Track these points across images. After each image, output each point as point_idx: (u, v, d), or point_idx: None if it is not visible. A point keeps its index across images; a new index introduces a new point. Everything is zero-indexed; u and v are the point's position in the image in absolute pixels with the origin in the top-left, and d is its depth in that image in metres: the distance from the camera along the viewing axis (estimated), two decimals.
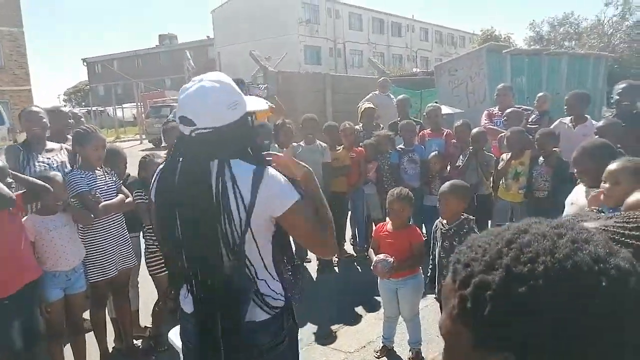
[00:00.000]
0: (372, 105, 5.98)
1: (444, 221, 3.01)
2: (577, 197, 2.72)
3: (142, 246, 3.58)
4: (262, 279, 1.60)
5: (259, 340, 1.60)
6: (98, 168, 3.16)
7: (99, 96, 45.52)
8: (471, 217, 3.02)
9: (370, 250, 3.33)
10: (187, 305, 1.68)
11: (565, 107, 4.87)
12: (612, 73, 15.94)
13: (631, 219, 0.81)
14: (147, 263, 3.47)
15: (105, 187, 3.13)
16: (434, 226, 3.15)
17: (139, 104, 23.78)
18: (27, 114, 3.54)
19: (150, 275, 3.48)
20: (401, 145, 5.19)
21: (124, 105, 28.06)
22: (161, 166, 1.71)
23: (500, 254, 0.59)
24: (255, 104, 1.75)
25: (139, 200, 3.34)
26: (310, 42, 38.70)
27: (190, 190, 1.54)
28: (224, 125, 1.53)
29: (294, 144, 5.08)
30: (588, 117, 4.78)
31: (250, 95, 6.74)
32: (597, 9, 38.61)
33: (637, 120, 3.89)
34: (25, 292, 2.66)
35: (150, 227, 3.36)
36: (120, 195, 3.20)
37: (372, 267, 3.04)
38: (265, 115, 5.64)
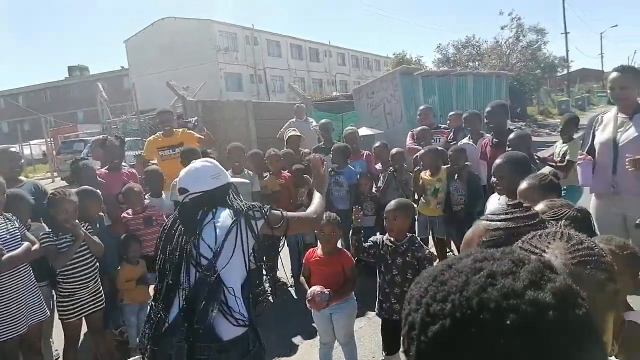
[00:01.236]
0: (297, 133, 6.03)
1: (392, 238, 3.03)
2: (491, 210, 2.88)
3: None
4: (230, 286, 1.96)
5: None
6: None
7: (3, 133, 42.15)
8: (415, 235, 3.11)
9: (302, 278, 3.30)
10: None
11: (464, 124, 5.41)
12: (512, 89, 17.42)
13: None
14: (58, 308, 3.23)
15: (8, 236, 2.85)
16: (376, 240, 3.14)
17: (48, 139, 22.27)
18: None
19: (61, 319, 3.23)
20: (335, 167, 5.25)
21: (31, 142, 26.12)
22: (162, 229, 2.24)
23: (426, 292, 0.58)
24: (238, 180, 2.64)
25: (48, 244, 3.08)
26: (230, 69, 38.55)
27: (179, 226, 2.08)
28: (210, 189, 2.13)
29: None
30: (483, 132, 5.19)
31: (178, 126, 6.50)
32: (495, 31, 42.14)
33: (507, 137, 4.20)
34: None
35: (65, 270, 3.12)
36: (26, 243, 2.93)
37: (307, 300, 2.95)
38: (196, 145, 5.46)
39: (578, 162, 3.41)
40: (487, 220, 1.20)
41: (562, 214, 1.44)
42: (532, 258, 0.60)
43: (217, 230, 2.01)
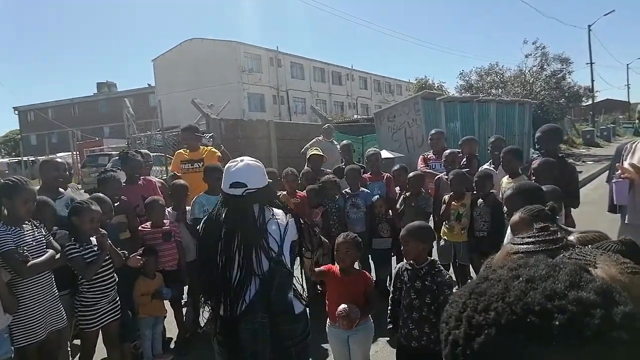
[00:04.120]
0: (320, 152, 6.04)
1: (410, 261, 2.99)
2: (507, 240, 2.83)
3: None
4: (295, 276, 2.36)
5: (295, 329, 2.27)
6: (26, 222, 2.95)
7: (31, 145, 43.37)
8: (436, 259, 3.05)
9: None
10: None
11: (489, 148, 5.35)
12: (535, 117, 17.22)
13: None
14: (79, 318, 3.25)
15: (35, 243, 2.91)
16: (398, 269, 3.10)
17: (74, 152, 22.85)
18: None
19: (81, 328, 3.25)
20: (347, 190, 5.25)
21: (58, 155, 26.79)
22: (206, 217, 2.48)
23: (465, 307, 0.58)
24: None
25: (76, 254, 3.12)
26: (254, 89, 39.20)
27: (239, 221, 2.28)
28: (263, 186, 2.36)
29: None
30: None
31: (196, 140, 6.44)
32: (519, 59, 41.74)
33: (562, 163, 4.16)
34: None
35: (91, 280, 3.16)
36: (51, 251, 2.98)
37: (339, 316, 2.91)
38: (215, 162, 5.47)
39: (613, 180, 3.31)
40: (511, 243, 1.19)
41: (606, 247, 1.38)
42: (568, 262, 0.60)
43: (280, 226, 2.31)
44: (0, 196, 2.92)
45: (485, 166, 5.14)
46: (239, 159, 2.41)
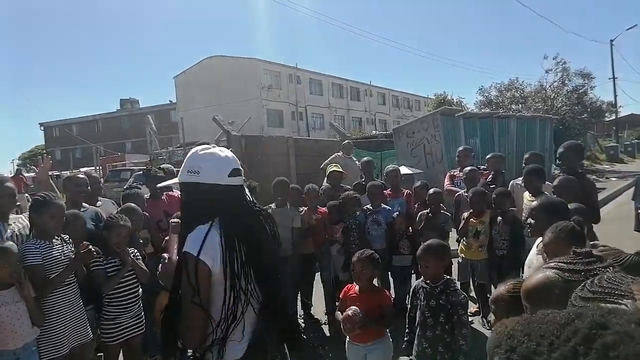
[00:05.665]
0: (339, 169, 6.07)
1: (427, 280, 2.99)
2: (532, 260, 2.80)
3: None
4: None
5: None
6: (55, 237, 3.04)
7: (56, 160, 44.35)
8: (453, 278, 3.05)
9: (338, 313, 3.26)
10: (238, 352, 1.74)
11: (524, 164, 5.20)
12: (557, 133, 16.97)
13: None
14: (102, 331, 3.31)
15: (62, 257, 2.99)
16: (414, 287, 3.11)
17: (97, 167, 23.36)
18: None
19: (104, 342, 3.30)
20: (368, 206, 5.25)
21: (81, 169, 27.43)
22: (217, 238, 1.69)
23: (576, 354, 0.50)
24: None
25: (97, 268, 3.20)
26: (273, 106, 39.63)
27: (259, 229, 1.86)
28: None
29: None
30: None
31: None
32: (539, 75, 41.25)
33: (580, 179, 4.10)
34: None
35: (110, 294, 3.22)
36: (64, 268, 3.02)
37: (343, 319, 2.95)
38: None
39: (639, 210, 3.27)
40: (561, 270, 1.10)
41: (624, 259, 1.36)
42: None
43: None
44: (30, 211, 3.03)
45: (517, 181, 5.06)
46: (201, 147, 1.82)
